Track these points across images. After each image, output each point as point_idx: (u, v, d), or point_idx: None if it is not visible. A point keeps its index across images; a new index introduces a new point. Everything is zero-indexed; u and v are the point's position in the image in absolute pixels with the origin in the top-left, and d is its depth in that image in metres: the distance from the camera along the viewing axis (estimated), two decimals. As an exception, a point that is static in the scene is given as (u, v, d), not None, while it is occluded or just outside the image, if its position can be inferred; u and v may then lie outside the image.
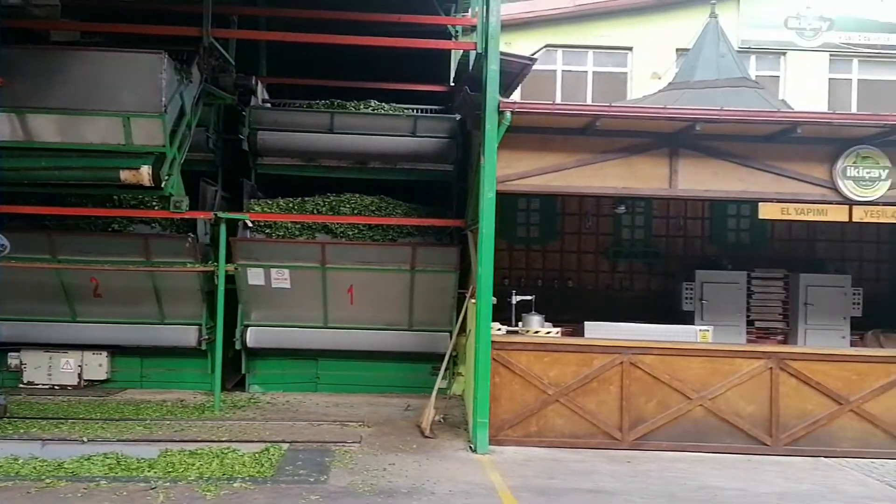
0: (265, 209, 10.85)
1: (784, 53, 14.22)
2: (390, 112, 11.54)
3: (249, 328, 10.80)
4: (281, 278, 10.53)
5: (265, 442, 7.73)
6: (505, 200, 12.30)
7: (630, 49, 14.46)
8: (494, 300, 8.17)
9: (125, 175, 8.79)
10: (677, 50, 14.04)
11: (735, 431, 8.23)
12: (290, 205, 10.92)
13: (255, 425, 8.60)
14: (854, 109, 13.61)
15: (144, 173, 8.75)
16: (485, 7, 8.49)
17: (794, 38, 14.13)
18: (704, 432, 8.23)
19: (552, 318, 10.30)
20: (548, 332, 9.62)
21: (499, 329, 9.09)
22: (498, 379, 8.14)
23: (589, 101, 14.15)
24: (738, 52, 13.00)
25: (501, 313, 9.51)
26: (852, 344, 12.41)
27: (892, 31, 14.09)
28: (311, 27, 10.20)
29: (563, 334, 10.23)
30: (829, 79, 14.24)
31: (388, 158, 11.35)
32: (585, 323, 9.97)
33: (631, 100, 13.66)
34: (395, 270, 10.56)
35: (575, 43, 14.35)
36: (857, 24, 14.12)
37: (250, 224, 10.72)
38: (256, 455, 7.28)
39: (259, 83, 11.86)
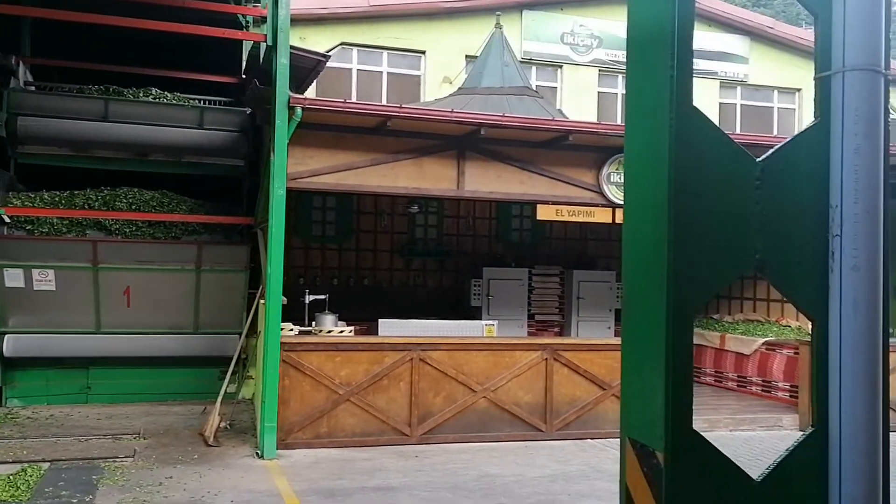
0: (26, 203, 9.75)
1: (561, 66, 15.39)
2: (174, 102, 10.85)
3: (6, 336, 9.65)
4: (45, 280, 9.52)
5: (21, 462, 6.94)
6: (299, 198, 12.21)
7: (423, 53, 14.84)
8: (285, 300, 8.01)
9: None
10: (467, 56, 14.65)
11: (515, 420, 8.76)
12: (57, 198, 9.91)
13: (12, 444, 7.69)
14: (620, 121, 15.05)
15: None
16: (274, -1, 8.27)
17: (569, 53, 15.35)
18: (487, 423, 8.68)
19: (348, 317, 10.31)
20: (341, 332, 9.60)
21: (291, 329, 8.92)
22: (287, 381, 7.99)
23: (384, 102, 14.31)
24: (521, 62, 13.86)
25: (294, 313, 9.35)
26: (616, 334, 13.76)
27: (651, 52, 15.77)
28: (85, 6, 9.30)
29: (359, 333, 10.29)
30: (599, 92, 15.64)
31: (172, 151, 10.67)
32: (380, 321, 10.12)
33: (423, 102, 14.03)
34: (178, 270, 9.97)
35: (370, 43, 14.45)
36: (621, 43, 15.62)
37: (7, 220, 9.58)
38: (10, 478, 6.51)
39: (21, 64, 10.62)
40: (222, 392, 8.79)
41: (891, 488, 1.12)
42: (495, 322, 10.25)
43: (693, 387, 1.11)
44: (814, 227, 1.13)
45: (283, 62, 7.72)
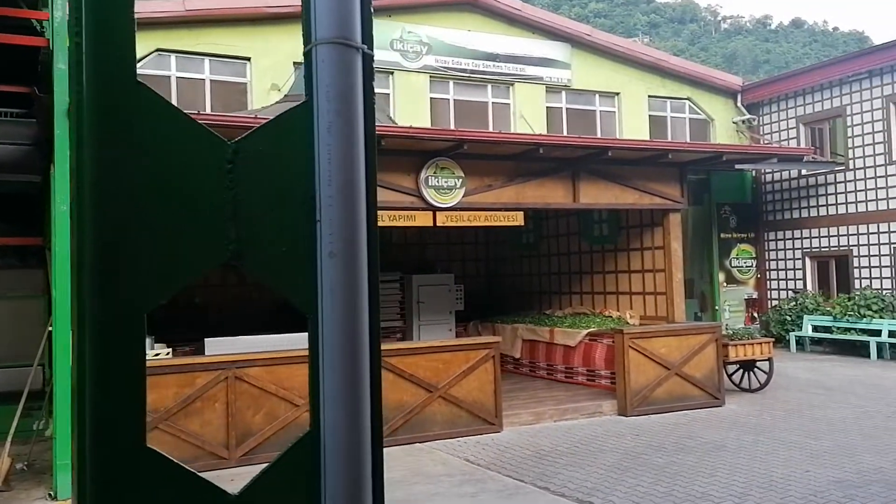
0: None
1: (392, 73, 15.40)
2: (-46, 115, 9.83)
3: None
4: None
5: None
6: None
7: (248, 59, 14.38)
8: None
9: None
10: (295, 63, 14.33)
11: (341, 430, 8.56)
12: None
13: None
14: (452, 126, 15.27)
15: None
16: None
17: (400, 59, 15.40)
18: (312, 436, 8.43)
19: (179, 339, 9.77)
20: (156, 355, 9.06)
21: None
22: (85, 412, 7.37)
23: (208, 110, 13.73)
24: (348, 68, 13.71)
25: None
26: (458, 335, 13.92)
27: (480, 57, 16.14)
28: None
29: (186, 353, 9.75)
30: (431, 98, 15.80)
31: (-46, 168, 9.65)
32: (206, 340, 9.62)
33: (251, 110, 13.58)
34: (-36, 300, 9.03)
35: (189, 49, 13.81)
36: (451, 49, 15.90)
37: None
38: None
39: None
40: (12, 430, 7.99)
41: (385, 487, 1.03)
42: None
43: (145, 398, 0.98)
44: (302, 212, 1.03)
45: (60, 67, 7.16)
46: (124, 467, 1.01)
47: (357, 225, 1.10)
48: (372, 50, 1.17)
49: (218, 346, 9.49)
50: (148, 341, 9.19)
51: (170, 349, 9.59)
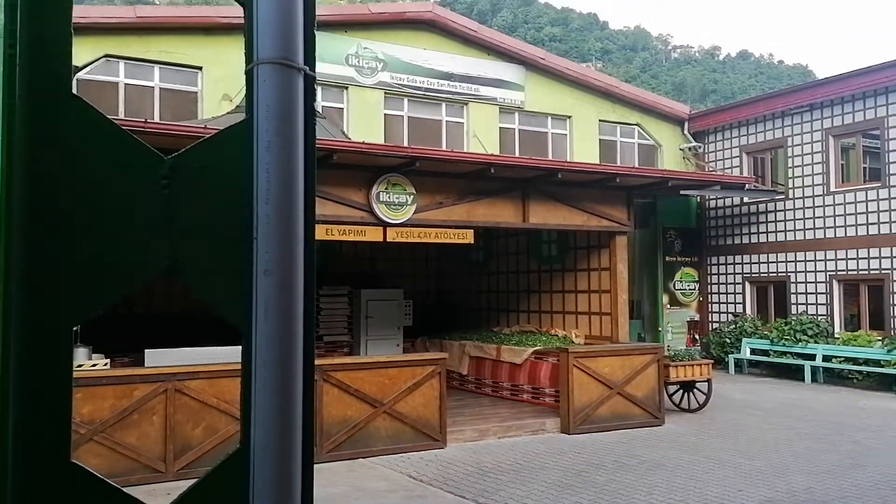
0: None
1: (346, 88, 15.40)
2: None
3: None
4: None
5: None
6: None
7: (200, 68, 14.20)
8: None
9: None
10: (248, 73, 14.19)
11: (283, 446, 8.45)
12: None
13: None
14: (406, 143, 15.32)
15: None
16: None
17: (355, 75, 15.41)
18: (253, 451, 8.29)
19: (117, 348, 9.53)
20: (94, 365, 8.81)
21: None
22: (15, 424, 7.11)
23: (156, 118, 13.50)
24: (303, 81, 13.65)
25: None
26: (405, 351, 13.88)
27: (435, 76, 16.27)
28: None
29: (125, 364, 9.49)
30: (385, 114, 15.84)
31: None
32: (146, 351, 9.38)
33: (201, 120, 13.40)
34: None
35: (139, 56, 13.57)
36: (406, 67, 15.99)
37: None
38: None
39: None
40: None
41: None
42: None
43: (70, 413, 0.97)
44: (239, 229, 1.04)
45: None
46: (47, 483, 1.00)
47: (294, 243, 1.12)
48: (314, 71, 1.19)
49: (158, 358, 9.27)
50: (85, 351, 8.98)
51: (108, 360, 9.33)
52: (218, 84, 14.19)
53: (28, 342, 0.98)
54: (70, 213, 1.02)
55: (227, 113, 12.86)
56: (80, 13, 12.90)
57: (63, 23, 1.02)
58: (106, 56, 13.28)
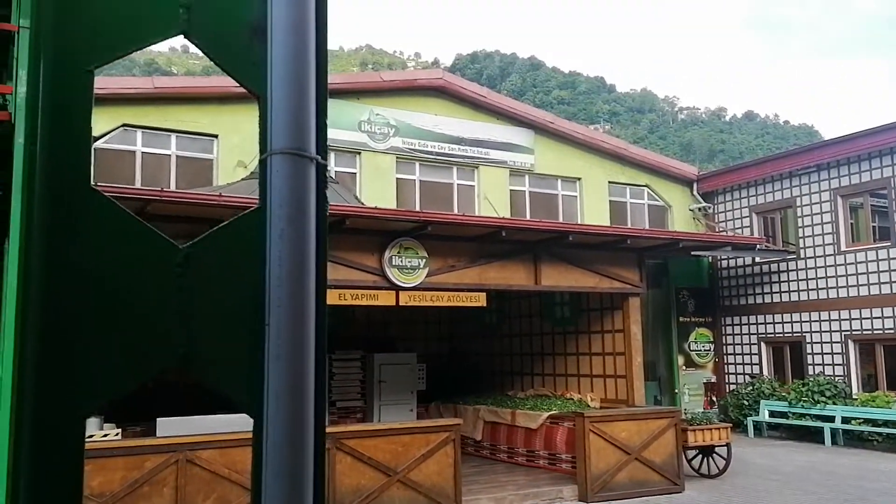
0: None
1: (359, 153, 15.68)
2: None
3: None
4: None
5: None
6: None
7: (216, 136, 14.52)
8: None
9: None
10: (262, 141, 14.49)
11: (294, 517, 8.27)
12: None
13: None
14: (417, 207, 15.49)
15: None
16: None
17: (367, 140, 15.71)
18: (264, 522, 8.12)
19: (133, 418, 9.50)
20: (104, 436, 8.75)
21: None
22: (24, 496, 7.02)
23: (173, 186, 13.75)
24: (316, 148, 13.91)
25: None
26: (419, 416, 13.70)
27: (446, 141, 16.55)
28: None
29: (136, 434, 9.42)
30: (397, 178, 16.07)
31: None
32: (158, 420, 9.32)
33: (215, 186, 13.63)
34: None
35: (156, 125, 13.92)
36: (417, 132, 16.29)
37: None
38: None
39: None
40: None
41: None
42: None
43: (81, 496, 0.97)
44: (251, 316, 1.05)
45: (19, 142, 7.13)
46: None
47: (306, 328, 1.13)
48: (326, 160, 1.23)
49: (170, 427, 9.19)
50: (97, 421, 8.92)
51: (119, 430, 9.27)
52: (233, 151, 14.48)
53: (41, 428, 0.99)
54: (86, 300, 1.04)
55: (242, 179, 13.09)
56: (99, 84, 13.29)
57: (83, 121, 1.06)
58: (124, 125, 13.62)
